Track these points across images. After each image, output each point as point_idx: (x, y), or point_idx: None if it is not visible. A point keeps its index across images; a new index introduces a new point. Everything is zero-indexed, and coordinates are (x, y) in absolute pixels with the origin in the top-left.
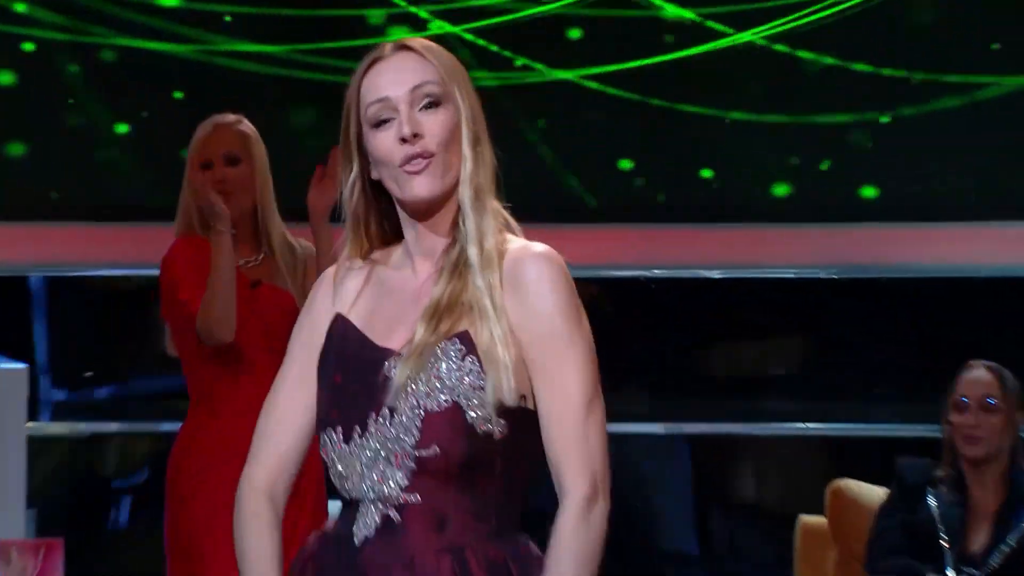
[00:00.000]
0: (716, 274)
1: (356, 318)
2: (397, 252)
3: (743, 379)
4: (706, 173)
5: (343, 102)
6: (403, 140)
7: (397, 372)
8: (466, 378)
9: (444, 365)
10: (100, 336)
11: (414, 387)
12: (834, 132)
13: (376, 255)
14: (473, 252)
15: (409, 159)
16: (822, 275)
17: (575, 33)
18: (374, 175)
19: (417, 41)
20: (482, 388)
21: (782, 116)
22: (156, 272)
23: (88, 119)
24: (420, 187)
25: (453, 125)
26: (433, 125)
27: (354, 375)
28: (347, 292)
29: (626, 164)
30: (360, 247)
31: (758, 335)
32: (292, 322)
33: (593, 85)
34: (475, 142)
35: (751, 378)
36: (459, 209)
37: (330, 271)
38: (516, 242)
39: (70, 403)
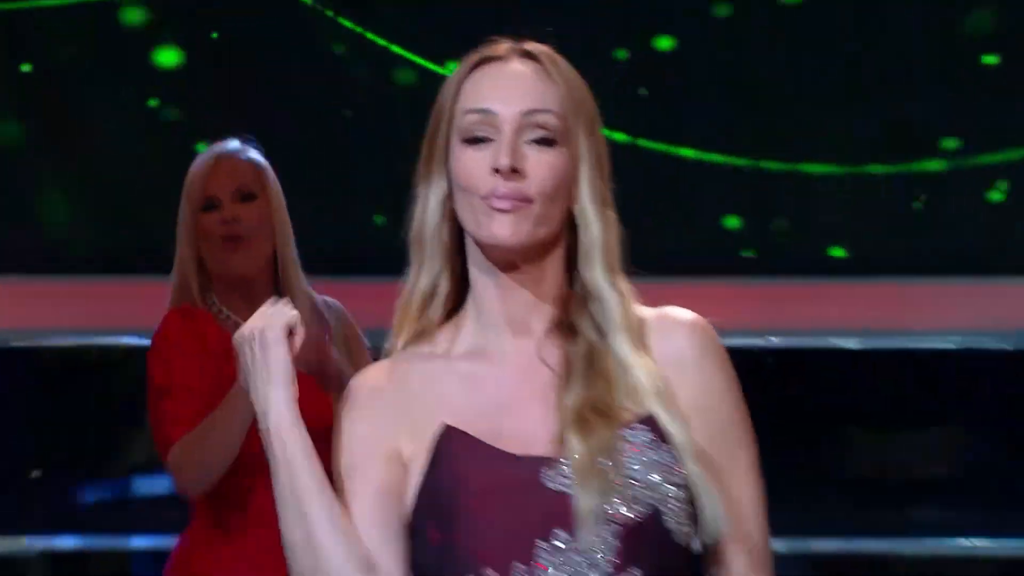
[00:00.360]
0: (852, 343)
1: (463, 425)
2: (457, 333)
3: (888, 481)
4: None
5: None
6: (496, 171)
7: (579, 497)
8: (655, 475)
9: (631, 463)
10: (50, 422)
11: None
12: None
13: (423, 347)
14: (623, 348)
15: (498, 194)
16: (997, 345)
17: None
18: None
19: (543, 50)
20: (677, 485)
21: None
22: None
23: None
24: (502, 228)
25: (565, 174)
26: (540, 166)
27: (496, 499)
28: (423, 393)
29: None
30: (419, 319)
31: (909, 421)
32: (316, 410)
33: None
34: (602, 201)
35: (899, 479)
36: (568, 277)
37: (371, 375)
38: (643, 308)
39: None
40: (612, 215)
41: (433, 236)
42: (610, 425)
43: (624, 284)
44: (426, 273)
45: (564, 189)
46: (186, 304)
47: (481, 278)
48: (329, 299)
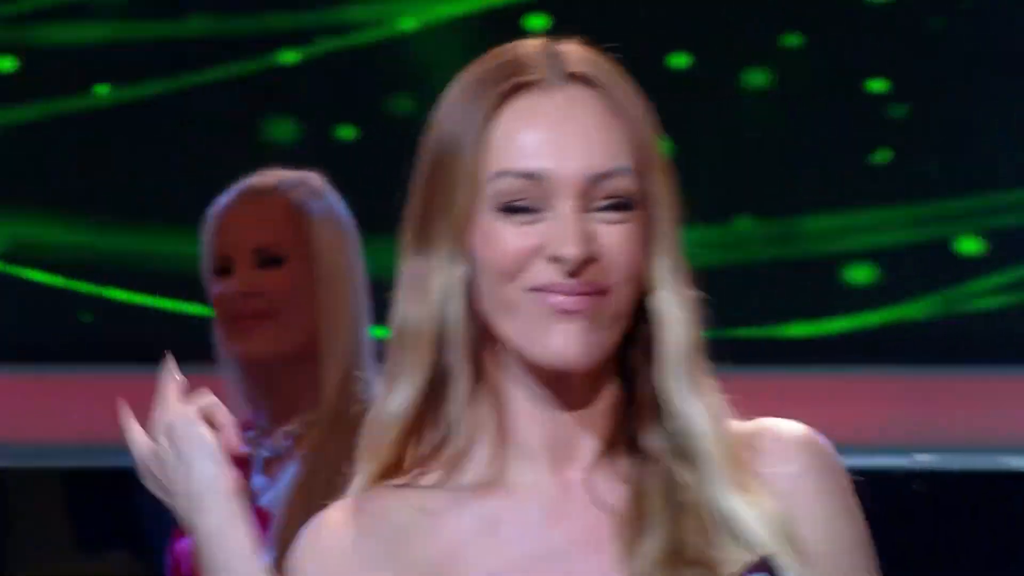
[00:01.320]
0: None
1: None
2: (459, 461)
3: None
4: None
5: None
6: (555, 259)
7: None
8: None
9: None
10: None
11: None
12: None
13: (402, 480)
14: (725, 491)
15: (558, 290)
16: None
17: None
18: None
19: (597, 64)
20: None
21: None
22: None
23: None
24: (568, 342)
25: (642, 241)
26: (615, 245)
27: None
28: (418, 543)
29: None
30: (412, 444)
31: None
32: None
33: None
34: (684, 281)
35: None
36: (621, 371)
37: (327, 521)
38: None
39: None
40: (693, 297)
41: (436, 338)
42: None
43: (713, 394)
44: (418, 388)
45: (639, 267)
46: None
47: (515, 398)
48: None
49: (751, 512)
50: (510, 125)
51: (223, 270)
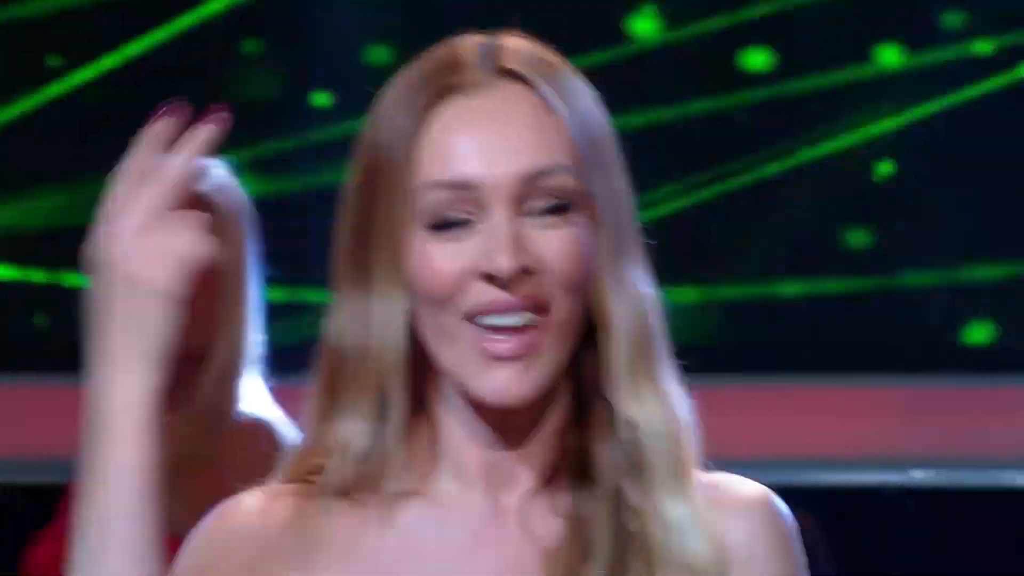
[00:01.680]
0: None
1: None
2: (394, 475)
3: None
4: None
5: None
6: (488, 277)
7: None
8: None
9: None
10: None
11: None
12: None
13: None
14: (674, 506)
15: (493, 309)
16: None
17: None
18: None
19: (533, 56)
20: None
21: None
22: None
23: None
24: (511, 387)
25: (587, 244)
26: (555, 249)
27: None
28: (319, 542)
29: None
30: (351, 464)
31: None
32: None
33: None
34: (633, 280)
35: None
36: (574, 388)
37: (237, 507)
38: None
39: None
40: (651, 296)
41: (377, 370)
42: None
43: (667, 403)
44: (364, 415)
45: (583, 273)
46: None
47: (452, 425)
48: (261, 417)
49: (697, 530)
50: (437, 134)
51: None
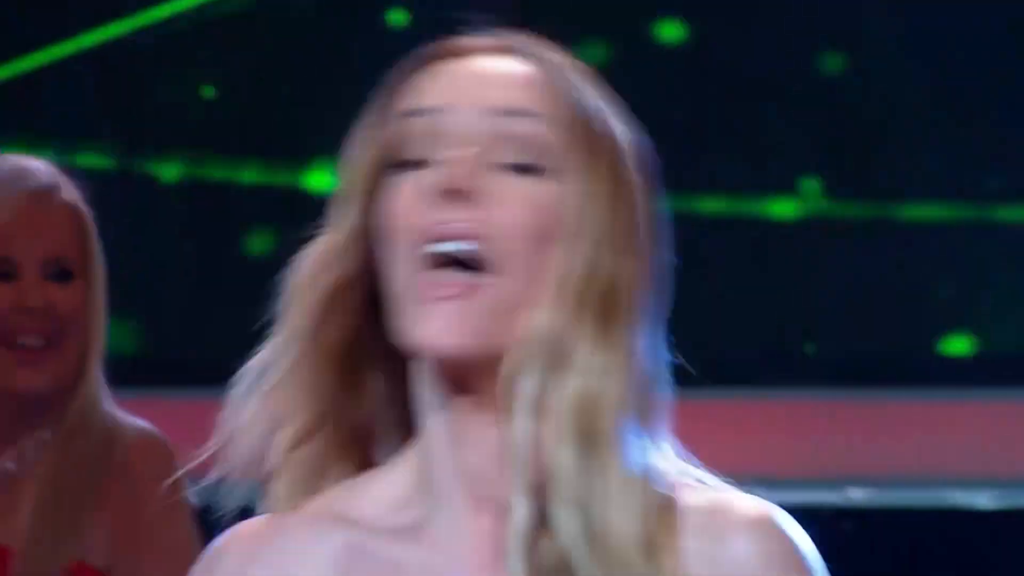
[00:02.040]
0: (984, 500)
1: None
2: (394, 483)
3: None
4: None
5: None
6: (444, 193)
7: None
8: None
9: None
10: None
11: None
12: None
13: (317, 503)
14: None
15: (440, 231)
16: None
17: None
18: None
19: (536, 45)
20: None
21: None
22: None
23: None
24: (440, 332)
25: (557, 213)
26: (510, 195)
27: None
28: None
29: None
30: (315, 467)
31: None
32: None
33: None
34: (581, 275)
35: None
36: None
37: (239, 535)
38: (690, 486)
39: None
40: (646, 288)
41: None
42: None
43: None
44: (311, 396)
45: (541, 230)
46: None
47: (427, 408)
48: (139, 421)
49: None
50: (415, 80)
51: (4, 275)
